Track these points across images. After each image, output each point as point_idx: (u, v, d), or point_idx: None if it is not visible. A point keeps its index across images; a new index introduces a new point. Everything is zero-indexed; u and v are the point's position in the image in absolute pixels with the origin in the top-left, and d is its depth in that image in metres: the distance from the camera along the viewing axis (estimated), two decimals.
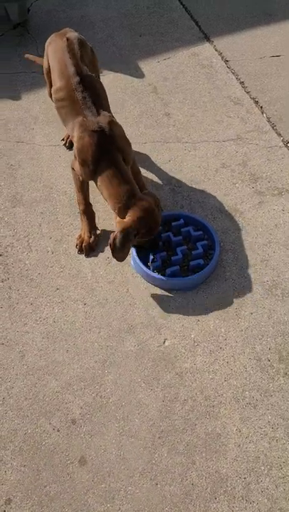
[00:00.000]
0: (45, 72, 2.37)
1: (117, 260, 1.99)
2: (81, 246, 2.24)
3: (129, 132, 2.77)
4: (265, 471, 1.69)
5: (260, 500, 1.63)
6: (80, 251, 2.25)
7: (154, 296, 2.11)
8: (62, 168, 2.62)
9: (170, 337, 2.00)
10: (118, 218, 1.98)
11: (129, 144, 2.11)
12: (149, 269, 2.14)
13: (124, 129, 2.86)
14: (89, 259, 2.24)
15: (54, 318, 2.06)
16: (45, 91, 3.11)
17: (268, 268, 2.19)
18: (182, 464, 1.71)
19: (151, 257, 2.19)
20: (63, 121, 2.21)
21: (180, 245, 2.22)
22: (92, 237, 2.25)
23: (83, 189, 2.23)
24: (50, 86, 2.34)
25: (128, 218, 1.94)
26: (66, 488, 1.67)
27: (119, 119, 2.85)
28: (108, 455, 1.73)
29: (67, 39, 2.18)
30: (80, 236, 2.27)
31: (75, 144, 2.07)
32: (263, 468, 1.69)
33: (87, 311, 2.08)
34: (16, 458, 1.73)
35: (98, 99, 2.10)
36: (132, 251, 2.19)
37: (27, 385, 1.89)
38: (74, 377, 1.90)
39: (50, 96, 2.42)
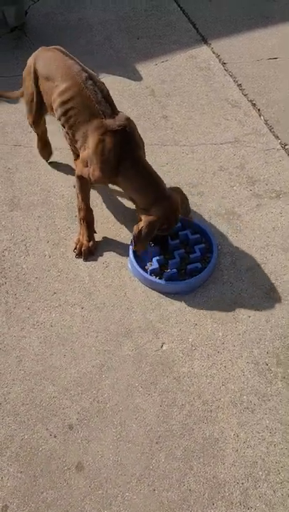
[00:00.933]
0: (28, 98, 2.27)
1: (137, 250, 2.06)
2: (80, 250, 2.23)
3: None
4: (263, 477, 1.68)
5: (257, 505, 1.62)
6: (79, 255, 2.24)
7: (152, 300, 2.11)
8: (59, 171, 2.61)
9: (168, 341, 1.99)
10: (144, 212, 1.99)
11: (142, 139, 2.11)
12: (147, 272, 2.13)
13: None
14: (86, 263, 2.24)
15: (51, 323, 2.06)
16: None
17: (265, 271, 2.19)
18: (180, 470, 1.70)
19: (149, 260, 2.19)
20: (72, 128, 2.07)
21: (177, 249, 2.21)
22: (92, 241, 2.24)
23: (88, 196, 2.20)
24: (37, 110, 2.26)
25: (155, 212, 1.97)
26: (63, 495, 1.66)
27: None
28: (105, 461, 1.72)
29: (57, 48, 2.14)
30: (78, 240, 2.25)
31: (92, 149, 1.98)
32: (260, 473, 1.68)
33: (84, 316, 2.07)
34: (13, 464, 1.72)
35: (108, 95, 2.05)
36: (130, 254, 2.18)
37: (24, 390, 1.88)
38: (71, 382, 1.89)
39: (32, 123, 2.37)
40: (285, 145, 2.71)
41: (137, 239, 1.99)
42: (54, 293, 2.14)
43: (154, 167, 2.60)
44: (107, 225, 2.35)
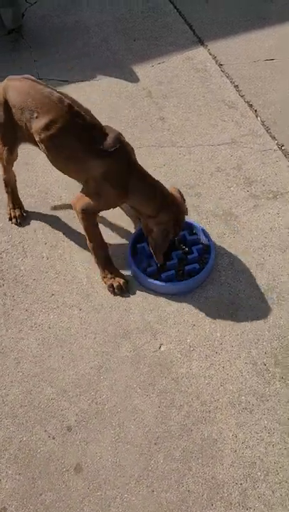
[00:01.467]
0: None
1: (161, 262, 2.07)
2: (114, 289, 2.11)
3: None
4: (262, 477, 1.68)
5: (256, 506, 1.62)
6: (117, 292, 2.11)
7: (150, 301, 2.11)
8: (57, 173, 2.61)
9: (166, 342, 1.99)
10: (151, 219, 1.98)
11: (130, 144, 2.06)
12: (145, 274, 2.13)
13: None
14: (84, 264, 2.24)
15: (49, 324, 2.06)
16: None
17: (263, 272, 2.19)
18: (178, 471, 1.70)
19: (146, 261, 2.19)
20: (64, 162, 1.98)
21: (175, 250, 2.21)
22: (120, 277, 2.12)
23: (99, 229, 2.07)
24: (9, 141, 2.10)
25: (163, 218, 1.97)
26: (62, 497, 1.66)
27: (113, 123, 2.84)
28: (104, 462, 1.72)
29: (27, 77, 2.00)
30: (106, 282, 2.12)
31: (100, 178, 1.89)
32: (259, 473, 1.68)
33: (82, 317, 2.07)
34: (11, 466, 1.72)
35: (93, 116, 1.96)
36: (128, 256, 2.18)
37: (22, 392, 1.88)
38: (69, 383, 1.89)
39: (2, 156, 2.18)
40: (282, 146, 2.72)
41: (157, 251, 2.01)
42: (52, 294, 2.14)
43: (151, 169, 2.62)
44: (104, 227, 2.36)
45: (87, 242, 2.10)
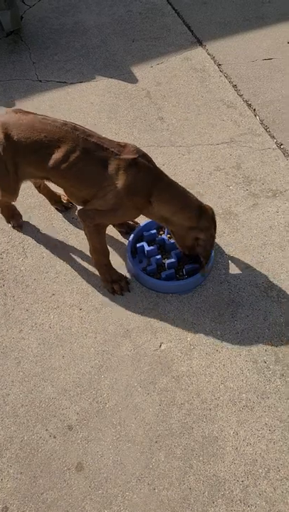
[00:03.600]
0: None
1: (209, 270, 2.05)
2: (114, 291, 2.12)
3: (122, 137, 2.78)
4: (263, 474, 1.68)
5: (258, 503, 1.62)
6: (118, 293, 2.12)
7: (150, 300, 2.11)
8: None
9: (166, 341, 2.00)
10: (191, 230, 1.92)
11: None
12: (145, 273, 2.14)
13: (118, 134, 2.88)
14: (84, 263, 2.24)
15: (50, 324, 2.06)
16: (39, 97, 3.15)
17: (263, 270, 2.19)
18: (179, 468, 1.70)
19: (145, 260, 2.19)
20: (77, 184, 1.87)
21: (175, 249, 2.22)
22: (121, 279, 2.12)
23: (105, 239, 2.03)
24: (14, 185, 1.98)
25: (204, 224, 1.91)
26: (63, 495, 1.66)
27: (113, 123, 2.87)
28: (105, 461, 1.72)
29: (20, 111, 1.92)
30: (107, 284, 2.12)
31: (121, 187, 1.80)
32: (260, 470, 1.68)
33: (83, 316, 2.08)
34: (13, 465, 1.72)
35: (103, 137, 1.89)
36: (128, 255, 2.19)
37: (23, 391, 1.88)
38: (70, 382, 1.90)
39: (8, 200, 2.15)
40: (281, 144, 2.72)
41: (207, 259, 1.97)
42: (52, 294, 2.15)
43: None
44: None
45: (91, 250, 2.06)
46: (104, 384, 1.89)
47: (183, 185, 2.51)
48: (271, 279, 2.16)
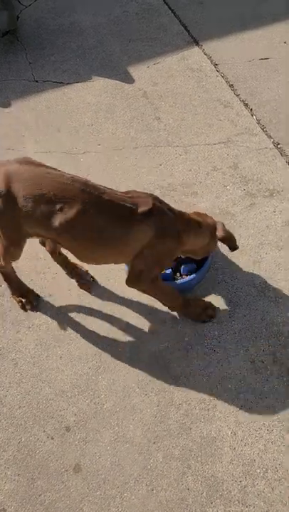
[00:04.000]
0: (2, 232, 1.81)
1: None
2: (203, 316, 2.04)
3: (119, 137, 2.78)
4: (261, 474, 1.68)
5: (256, 503, 1.62)
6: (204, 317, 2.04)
7: (148, 301, 2.11)
8: None
9: (164, 341, 1.99)
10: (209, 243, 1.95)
11: None
12: None
13: (115, 134, 2.87)
14: (81, 264, 2.24)
15: (47, 325, 2.05)
16: (36, 98, 3.14)
17: (260, 270, 2.19)
18: (178, 469, 1.70)
19: None
20: (98, 251, 1.76)
21: None
22: (207, 304, 2.05)
23: (164, 284, 1.94)
24: (18, 241, 1.84)
25: (207, 232, 1.92)
26: (61, 497, 1.65)
27: (109, 124, 2.87)
28: (103, 462, 1.72)
29: (28, 161, 1.75)
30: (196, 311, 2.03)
31: (151, 246, 1.74)
32: (258, 471, 1.68)
33: (80, 317, 2.07)
34: (10, 467, 1.71)
35: (112, 189, 1.79)
36: None
37: (20, 393, 1.87)
38: (68, 383, 1.89)
39: (11, 260, 1.94)
40: (278, 144, 2.72)
41: (230, 239, 1.96)
42: (50, 295, 2.14)
43: (148, 169, 2.63)
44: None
45: (163, 303, 1.97)
46: (102, 385, 1.88)
47: (180, 185, 2.53)
48: (268, 279, 2.16)
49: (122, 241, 1.73)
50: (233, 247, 1.97)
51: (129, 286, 1.89)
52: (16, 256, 1.93)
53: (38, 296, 2.08)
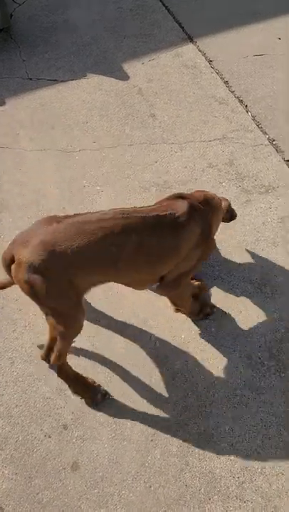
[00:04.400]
0: (66, 318, 1.67)
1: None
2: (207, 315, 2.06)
3: (114, 134, 2.77)
4: (259, 470, 1.68)
5: (254, 498, 1.63)
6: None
7: (144, 298, 2.11)
8: (49, 172, 2.61)
9: (161, 338, 1.99)
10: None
11: None
12: None
13: (110, 132, 2.86)
14: None
15: (43, 323, 2.04)
16: (30, 96, 3.12)
17: (256, 266, 2.19)
18: (175, 466, 1.70)
19: None
20: (148, 265, 1.70)
21: None
22: (209, 307, 2.07)
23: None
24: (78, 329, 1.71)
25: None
26: (59, 495, 1.65)
27: (104, 121, 2.86)
28: (101, 459, 1.72)
29: (54, 218, 1.64)
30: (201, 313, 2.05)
31: (197, 245, 1.75)
32: (256, 466, 1.69)
33: None
34: (8, 466, 1.71)
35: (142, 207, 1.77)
36: None
37: (17, 391, 1.87)
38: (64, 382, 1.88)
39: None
40: (273, 140, 2.72)
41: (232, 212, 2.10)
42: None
43: (143, 166, 2.62)
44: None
45: (183, 309, 1.99)
46: (99, 382, 1.88)
47: (175, 182, 2.52)
48: (264, 275, 2.16)
49: (176, 250, 1.71)
50: (236, 214, 2.13)
51: (161, 293, 1.87)
52: (76, 332, 1.73)
53: (106, 393, 1.84)
